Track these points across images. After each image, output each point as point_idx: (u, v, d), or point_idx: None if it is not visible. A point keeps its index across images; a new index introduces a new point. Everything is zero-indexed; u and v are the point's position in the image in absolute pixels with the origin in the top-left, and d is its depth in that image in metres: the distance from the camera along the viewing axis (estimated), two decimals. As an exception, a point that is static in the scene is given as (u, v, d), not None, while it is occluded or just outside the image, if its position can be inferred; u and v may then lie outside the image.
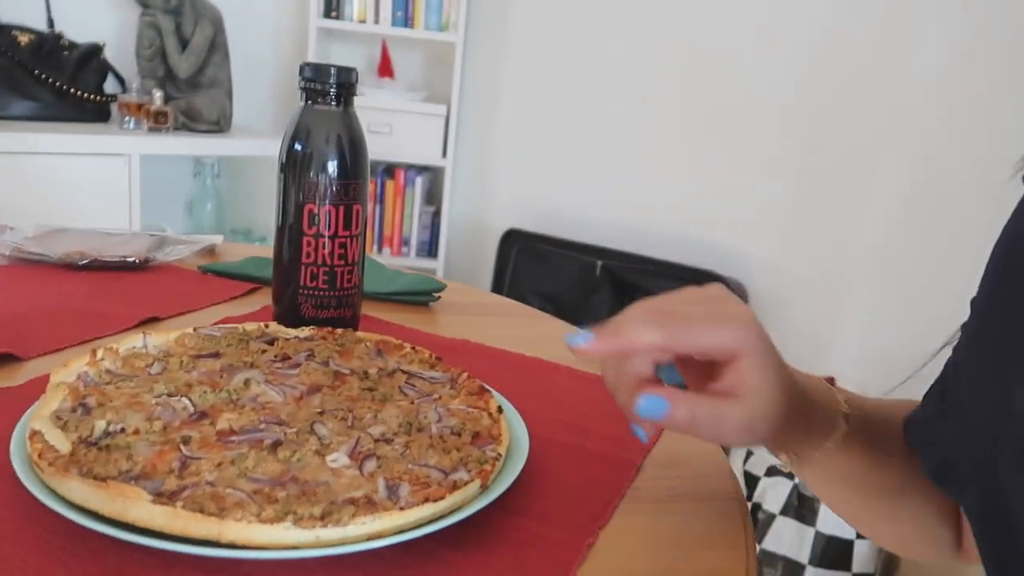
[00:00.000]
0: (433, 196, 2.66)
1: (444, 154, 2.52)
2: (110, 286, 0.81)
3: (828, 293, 2.09)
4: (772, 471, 1.72)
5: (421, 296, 0.85)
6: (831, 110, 2.09)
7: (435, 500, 0.41)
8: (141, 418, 0.47)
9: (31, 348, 0.63)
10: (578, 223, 2.43)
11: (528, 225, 2.47)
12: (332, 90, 0.65)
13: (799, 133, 2.15)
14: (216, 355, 0.57)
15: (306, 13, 2.43)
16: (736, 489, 0.53)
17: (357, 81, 0.66)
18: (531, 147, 2.57)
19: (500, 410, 0.52)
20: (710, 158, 2.29)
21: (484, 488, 0.44)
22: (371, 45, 2.61)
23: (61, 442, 0.43)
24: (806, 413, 0.46)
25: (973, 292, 0.49)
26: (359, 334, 0.63)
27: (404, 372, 0.58)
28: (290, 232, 0.67)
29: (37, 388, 0.51)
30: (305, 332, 0.63)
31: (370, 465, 0.44)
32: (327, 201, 0.65)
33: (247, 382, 0.53)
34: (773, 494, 1.70)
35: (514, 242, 2.45)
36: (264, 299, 0.79)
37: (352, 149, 0.66)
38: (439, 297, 0.86)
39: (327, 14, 2.43)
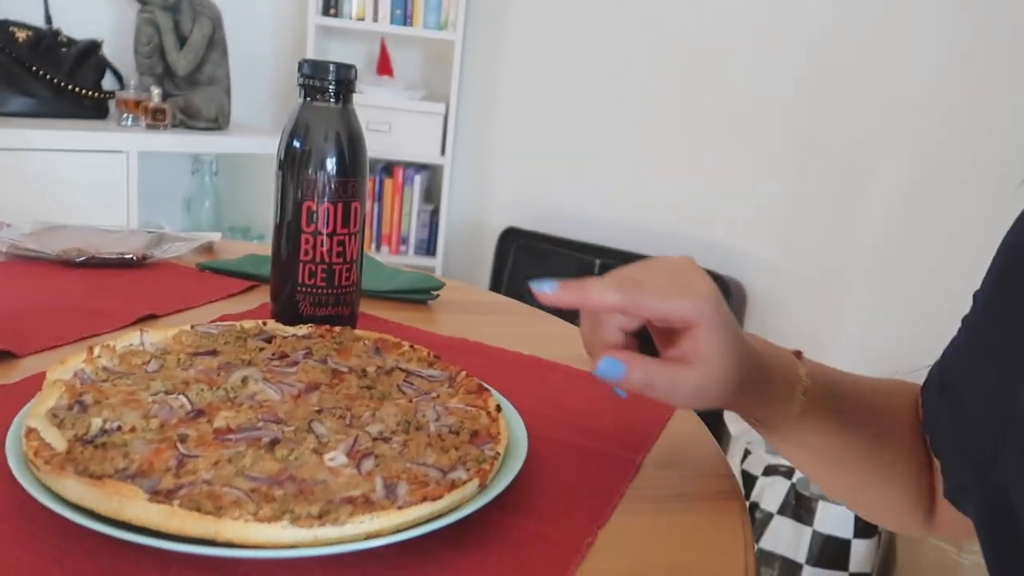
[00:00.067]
0: (432, 194, 2.65)
1: (443, 152, 2.51)
2: (107, 283, 0.80)
3: (827, 292, 2.09)
4: (770, 470, 1.72)
5: (419, 294, 0.85)
6: (830, 109, 2.09)
7: (433, 499, 0.41)
8: (138, 416, 0.46)
9: (27, 345, 0.62)
10: (577, 222, 2.43)
11: (527, 224, 2.46)
12: (331, 87, 0.64)
13: (798, 132, 2.15)
14: (214, 353, 0.57)
15: (305, 10, 2.42)
16: (735, 489, 0.53)
17: (356, 78, 0.66)
18: (530, 145, 2.57)
19: (499, 409, 0.52)
20: (709, 157, 2.29)
21: (482, 487, 0.44)
22: (370, 43, 2.61)
23: (57, 440, 0.42)
24: (763, 382, 0.48)
25: (973, 291, 0.49)
26: (357, 332, 0.63)
27: (402, 370, 0.58)
28: (288, 229, 0.67)
29: (33, 385, 0.51)
30: (303, 330, 0.63)
31: (368, 464, 0.44)
32: (325, 198, 0.65)
33: (245, 380, 0.53)
34: (771, 493, 1.70)
35: (513, 240, 2.44)
36: (262, 297, 0.79)
37: (351, 146, 0.66)
38: (438, 295, 0.86)
39: (326, 12, 2.42)
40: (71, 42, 2.02)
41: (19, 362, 0.60)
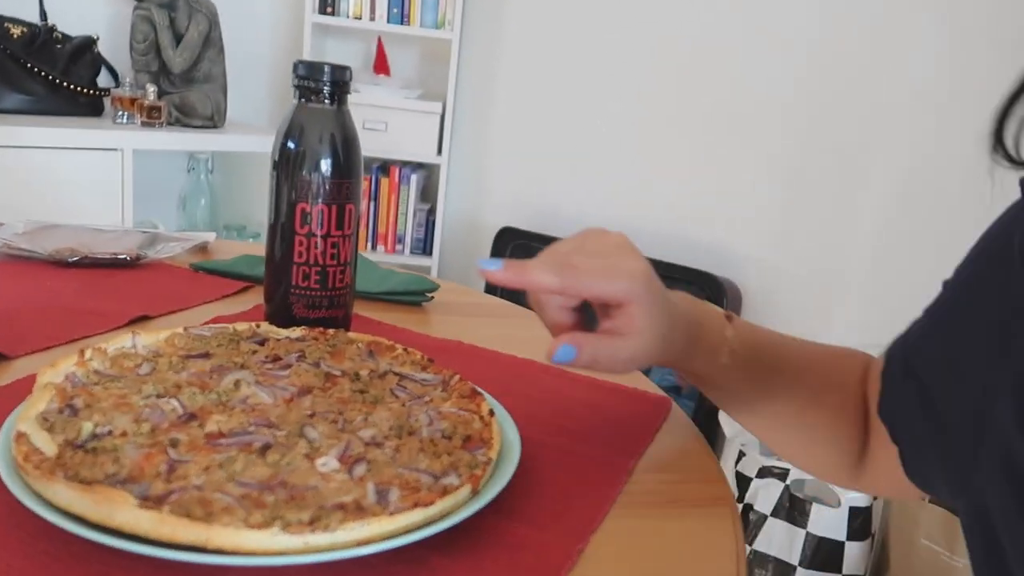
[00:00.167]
0: (428, 194, 2.65)
1: (439, 152, 2.51)
2: (101, 283, 0.80)
3: (823, 292, 2.10)
4: (764, 472, 1.72)
5: (414, 296, 0.85)
6: (826, 110, 2.09)
7: (425, 505, 0.40)
8: (129, 420, 0.46)
9: (19, 346, 0.62)
10: (573, 221, 2.43)
11: (523, 223, 2.46)
12: (326, 88, 0.64)
13: (794, 132, 2.15)
14: (206, 355, 0.56)
15: (301, 9, 2.42)
16: (728, 494, 0.53)
17: (351, 79, 0.66)
18: (526, 145, 2.57)
19: (491, 413, 0.52)
20: (706, 157, 2.29)
21: (475, 493, 0.44)
22: (367, 42, 2.60)
23: (47, 444, 0.42)
24: (692, 343, 0.53)
25: None
26: (351, 335, 0.63)
27: (396, 374, 0.57)
28: (282, 231, 0.66)
29: (24, 388, 0.50)
30: (296, 332, 0.62)
31: (360, 469, 0.44)
32: (320, 200, 0.65)
33: (237, 383, 0.52)
34: (764, 495, 1.71)
35: (509, 240, 2.44)
36: (256, 298, 0.79)
37: (345, 148, 0.66)
38: (432, 297, 0.86)
39: (322, 10, 2.42)
40: (66, 39, 2.02)
41: (10, 364, 0.60)
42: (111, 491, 0.37)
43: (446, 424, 0.50)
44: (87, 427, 0.45)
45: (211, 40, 2.13)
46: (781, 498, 1.68)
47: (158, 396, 0.49)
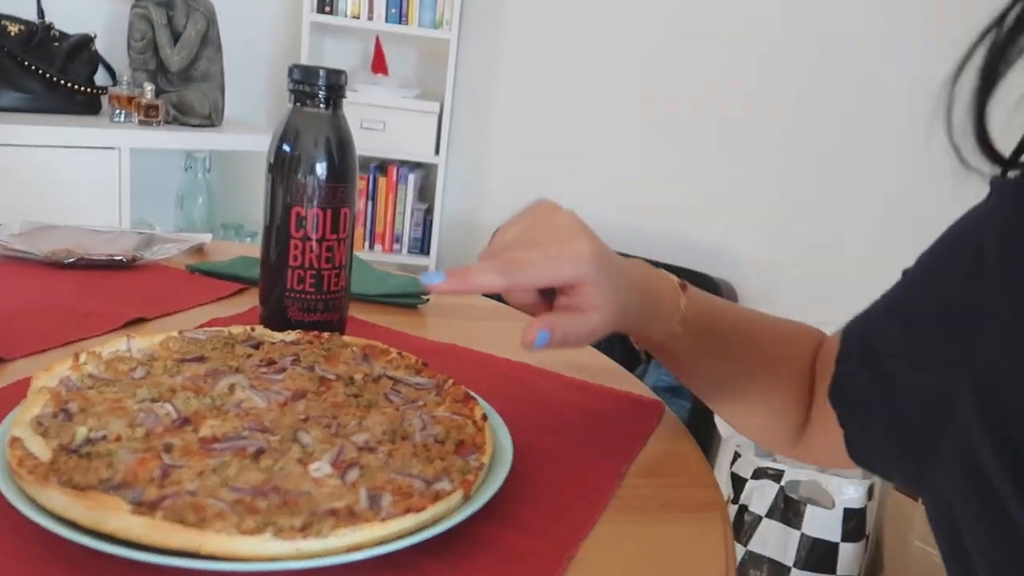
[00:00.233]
0: (426, 193, 2.65)
1: (437, 151, 2.51)
2: (97, 285, 0.80)
3: (820, 293, 2.10)
4: (759, 473, 1.73)
5: (409, 298, 0.85)
6: (822, 111, 2.10)
7: (417, 511, 0.41)
8: (123, 424, 0.46)
9: (15, 349, 0.62)
10: (570, 222, 2.43)
11: (520, 223, 2.46)
12: (321, 92, 0.64)
13: (791, 133, 2.15)
14: (201, 359, 0.57)
15: (299, 8, 2.42)
16: (719, 499, 0.53)
17: (346, 83, 0.66)
18: (524, 145, 2.57)
19: (485, 418, 0.52)
20: (703, 158, 2.29)
21: (467, 498, 0.44)
22: (365, 41, 2.60)
23: (41, 449, 0.42)
24: (646, 311, 0.55)
25: None
26: (345, 338, 0.63)
27: (390, 378, 0.58)
28: (277, 234, 0.67)
29: (20, 390, 0.50)
30: (291, 336, 0.63)
31: (352, 474, 0.44)
32: (315, 204, 0.65)
33: (231, 387, 0.53)
34: (759, 496, 1.71)
35: (506, 240, 2.44)
36: (252, 299, 0.79)
37: (341, 152, 0.66)
38: (428, 299, 0.86)
39: (320, 9, 2.42)
40: (63, 37, 2.01)
41: (6, 366, 0.60)
42: (104, 497, 0.38)
43: (439, 429, 0.51)
44: (81, 432, 0.45)
45: (209, 38, 2.13)
46: (776, 499, 1.69)
47: (152, 400, 0.50)
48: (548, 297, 0.52)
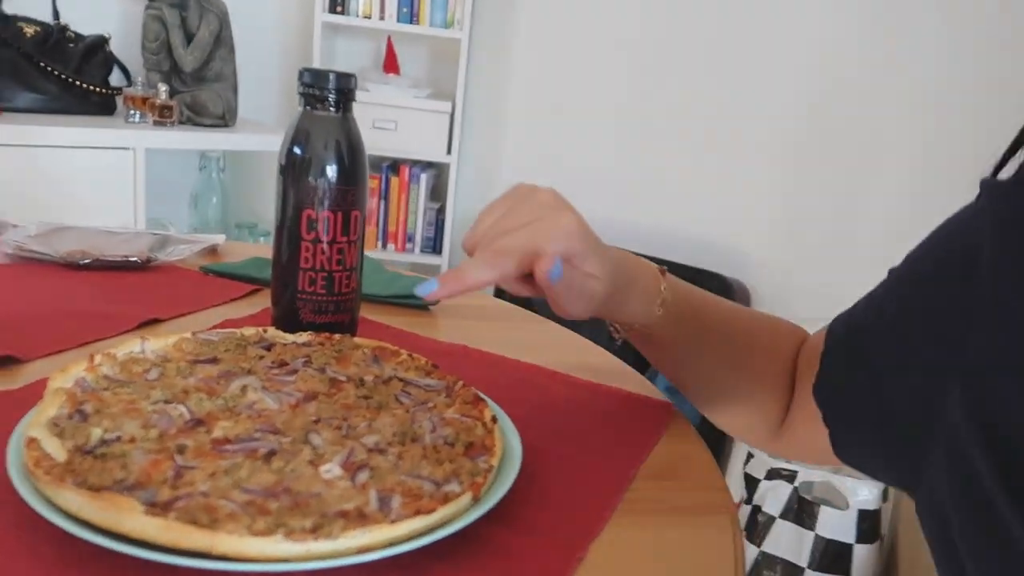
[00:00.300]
0: (438, 192, 2.66)
1: (449, 151, 2.52)
2: (112, 286, 0.81)
3: (832, 293, 2.09)
4: (772, 474, 1.72)
5: (420, 299, 0.85)
6: (833, 110, 2.09)
7: (426, 513, 0.41)
8: (137, 425, 0.47)
9: (32, 350, 0.63)
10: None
11: (532, 222, 2.46)
12: (331, 96, 0.65)
13: (804, 133, 2.14)
14: (214, 360, 0.57)
15: (311, 8, 2.43)
16: (728, 502, 0.53)
17: (356, 87, 0.66)
18: (536, 144, 2.57)
19: (494, 420, 0.52)
20: (715, 158, 2.29)
21: (476, 500, 0.44)
22: (376, 41, 2.61)
23: (57, 450, 0.43)
24: (628, 290, 0.56)
25: None
26: (357, 340, 0.64)
27: (400, 380, 0.58)
28: (288, 236, 0.67)
29: (37, 391, 0.51)
30: (303, 337, 0.63)
31: (363, 476, 0.45)
32: (325, 207, 0.65)
33: (244, 389, 0.53)
34: (773, 497, 1.71)
35: (517, 239, 2.44)
36: (265, 300, 0.80)
37: (351, 155, 0.66)
38: (438, 301, 0.86)
39: (332, 9, 2.42)
40: (79, 38, 2.03)
41: (23, 367, 0.61)
42: (118, 498, 0.38)
43: (449, 431, 0.51)
44: (96, 433, 0.45)
45: (222, 39, 2.15)
46: (790, 500, 1.68)
47: (166, 402, 0.50)
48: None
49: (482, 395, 0.56)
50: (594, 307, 0.53)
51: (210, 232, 1.66)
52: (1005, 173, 0.44)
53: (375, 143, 2.40)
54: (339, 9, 2.43)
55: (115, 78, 2.12)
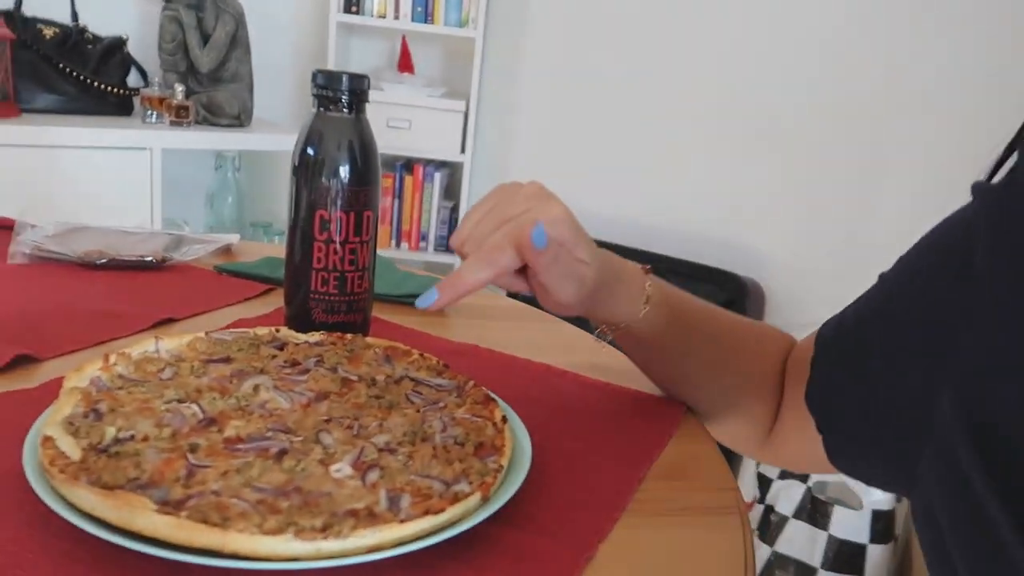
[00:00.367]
0: (451, 191, 2.66)
1: (463, 150, 2.52)
2: (127, 286, 0.82)
3: (847, 293, 2.08)
4: (785, 474, 1.71)
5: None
6: (846, 109, 2.07)
7: (435, 512, 0.41)
8: (151, 424, 0.48)
9: (49, 349, 0.64)
10: (596, 220, 2.42)
11: (545, 221, 2.46)
12: (344, 97, 0.65)
13: (818, 132, 2.13)
14: (227, 360, 0.58)
15: (326, 8, 2.44)
16: (739, 503, 0.53)
17: (369, 88, 0.67)
18: (550, 143, 2.57)
19: (504, 420, 0.53)
20: (727, 157, 2.28)
21: (485, 500, 0.44)
22: (391, 40, 2.62)
23: (72, 449, 0.44)
24: (613, 286, 0.56)
25: None
26: (368, 340, 0.64)
27: (411, 379, 0.58)
28: (301, 236, 0.68)
29: (52, 391, 0.52)
30: (315, 337, 0.63)
31: (373, 476, 0.45)
32: (338, 207, 0.66)
33: (256, 388, 0.54)
34: (786, 497, 1.70)
35: (531, 238, 2.44)
36: (278, 300, 0.80)
37: (363, 156, 0.67)
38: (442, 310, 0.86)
39: (347, 9, 2.43)
40: (97, 39, 2.05)
41: (40, 366, 0.62)
42: (131, 496, 0.39)
43: (459, 431, 0.51)
44: (110, 432, 0.46)
45: (238, 40, 2.16)
46: (803, 500, 1.68)
47: (179, 401, 0.51)
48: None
49: (492, 395, 0.57)
50: (584, 295, 0.53)
51: (225, 231, 1.68)
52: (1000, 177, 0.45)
53: (389, 142, 2.41)
54: (354, 9, 2.44)
55: (132, 79, 2.14)
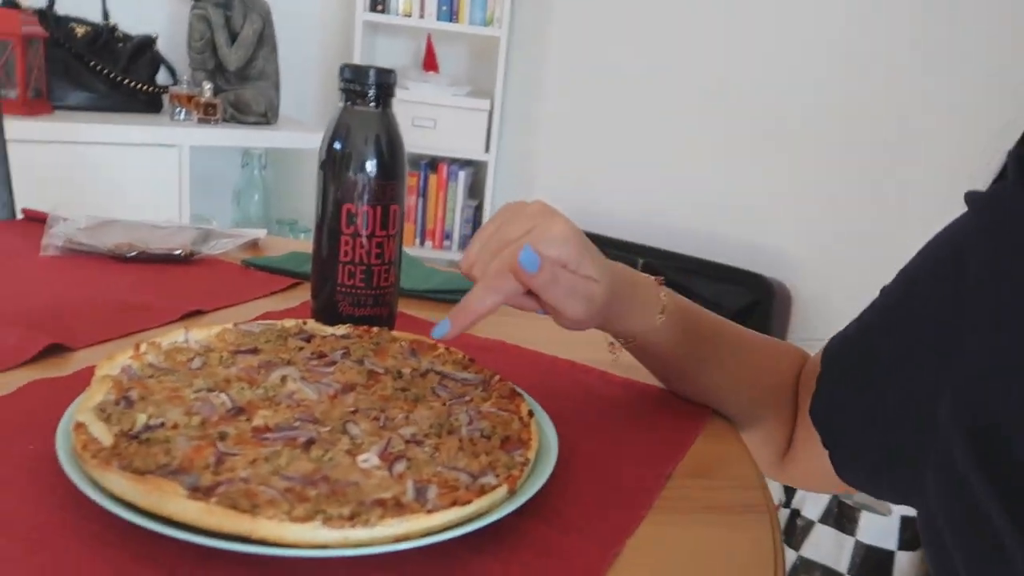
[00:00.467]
0: (476, 190, 2.67)
1: (487, 149, 2.52)
2: (156, 278, 0.83)
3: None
4: (811, 477, 1.69)
5: (457, 294, 0.86)
6: (872, 110, 2.05)
7: (462, 504, 0.41)
8: (180, 412, 0.48)
9: (80, 339, 0.65)
10: (619, 220, 2.42)
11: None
12: (371, 91, 0.65)
13: (840, 133, 2.10)
14: (255, 351, 0.58)
15: (352, 7, 2.45)
16: (768, 502, 0.52)
17: (396, 82, 0.67)
18: (574, 143, 2.56)
19: (531, 414, 0.52)
20: (754, 158, 2.26)
21: (511, 493, 0.44)
22: (416, 39, 2.63)
23: (104, 435, 0.44)
24: (628, 298, 0.55)
25: None
26: (394, 333, 0.64)
27: (437, 373, 0.58)
28: (328, 230, 0.68)
29: (84, 379, 0.53)
30: (342, 330, 0.64)
31: (400, 466, 0.45)
32: (365, 201, 0.66)
33: (284, 379, 0.54)
34: (813, 501, 1.68)
35: (554, 238, 2.44)
36: (304, 294, 0.80)
37: (390, 150, 0.67)
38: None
39: (373, 8, 2.45)
40: (127, 38, 2.08)
41: (72, 355, 0.63)
42: (162, 481, 0.39)
43: (485, 424, 0.51)
44: (141, 419, 0.46)
45: (265, 38, 2.18)
46: (830, 504, 1.65)
47: (208, 390, 0.51)
48: None
49: (519, 389, 0.56)
50: (595, 311, 0.52)
51: (251, 228, 1.69)
52: None
53: (414, 141, 2.42)
54: (379, 8, 2.45)
55: (161, 77, 2.17)
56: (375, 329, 0.64)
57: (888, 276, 0.58)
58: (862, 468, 0.53)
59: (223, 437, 0.46)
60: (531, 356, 0.72)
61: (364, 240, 0.67)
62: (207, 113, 2.06)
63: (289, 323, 0.63)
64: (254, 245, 0.98)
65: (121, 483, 0.39)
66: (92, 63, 2.00)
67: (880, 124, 2.05)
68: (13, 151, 1.23)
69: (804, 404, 0.59)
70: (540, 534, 0.44)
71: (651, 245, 2.30)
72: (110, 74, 2.02)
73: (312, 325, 0.64)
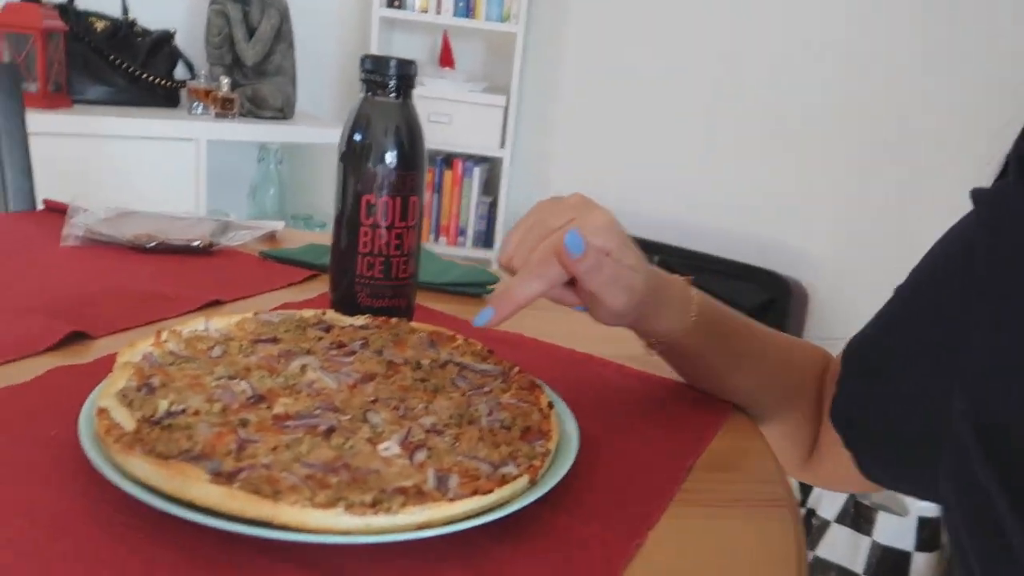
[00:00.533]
0: (491, 186, 2.67)
1: (502, 145, 2.52)
2: (175, 269, 0.83)
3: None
4: (827, 476, 1.68)
5: (475, 287, 0.86)
6: (892, 109, 2.03)
7: (484, 493, 0.41)
8: (202, 399, 0.48)
9: (101, 327, 0.65)
10: (635, 217, 2.40)
11: (584, 218, 2.45)
12: (392, 82, 0.65)
13: (860, 132, 2.08)
14: (274, 340, 0.58)
15: (369, 3, 2.46)
16: (789, 496, 0.52)
17: (416, 74, 0.67)
18: (590, 139, 2.55)
19: (551, 405, 0.52)
20: (771, 156, 2.24)
21: (532, 483, 0.44)
22: (433, 35, 2.63)
23: (126, 420, 0.44)
24: (661, 297, 0.55)
25: None
26: (413, 324, 0.64)
27: (456, 364, 0.58)
28: (348, 221, 0.68)
29: (105, 366, 0.53)
30: (361, 320, 0.64)
31: (420, 455, 0.45)
32: (384, 192, 0.66)
33: (303, 368, 0.54)
34: (828, 500, 1.66)
35: (569, 234, 2.44)
36: (322, 286, 0.81)
37: (410, 141, 0.67)
38: (493, 289, 0.86)
39: (390, 4, 2.45)
40: (146, 32, 2.10)
41: (93, 343, 0.63)
42: (185, 466, 0.39)
43: (505, 415, 0.51)
44: (163, 405, 0.47)
45: (282, 34, 2.19)
46: (846, 504, 1.64)
47: (229, 378, 0.51)
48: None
49: (538, 381, 0.56)
50: (635, 303, 0.52)
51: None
52: None
53: (429, 137, 2.40)
54: (396, 3, 2.45)
55: (179, 71, 2.18)
56: (394, 320, 0.64)
57: (904, 274, 0.57)
58: (885, 467, 0.53)
59: (244, 424, 0.46)
60: (549, 349, 0.72)
61: (383, 231, 0.67)
62: (224, 108, 2.07)
63: (308, 313, 0.63)
64: (272, 237, 0.99)
65: (144, 467, 0.39)
66: (111, 57, 2.01)
67: (895, 124, 2.03)
68: (33, 144, 1.24)
69: (827, 406, 0.59)
70: (562, 524, 0.44)
71: (667, 242, 2.30)
72: (129, 68, 2.03)
73: (331, 315, 0.64)
